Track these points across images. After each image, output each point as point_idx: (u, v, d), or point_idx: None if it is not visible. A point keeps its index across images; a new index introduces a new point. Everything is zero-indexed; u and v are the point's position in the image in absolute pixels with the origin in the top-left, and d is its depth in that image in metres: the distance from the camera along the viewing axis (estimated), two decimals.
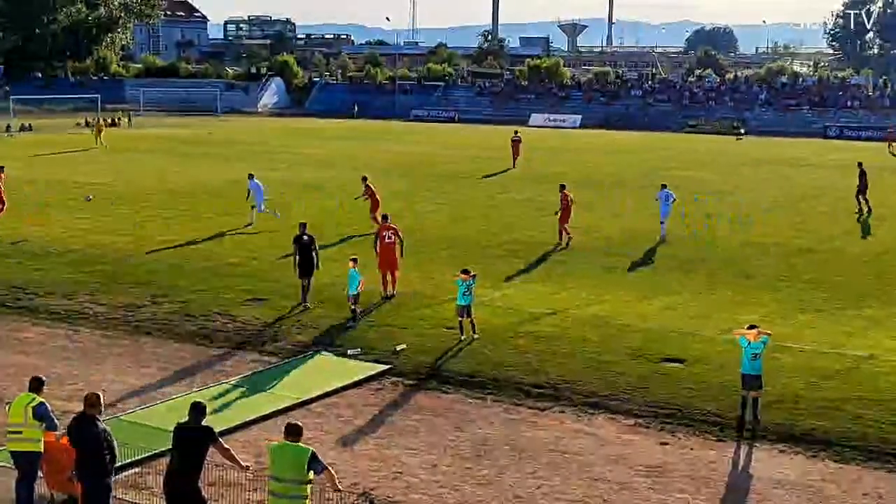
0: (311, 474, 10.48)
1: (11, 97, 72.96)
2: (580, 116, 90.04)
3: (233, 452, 11.32)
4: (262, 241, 28.61)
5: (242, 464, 11.40)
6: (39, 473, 11.80)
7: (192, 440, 10.95)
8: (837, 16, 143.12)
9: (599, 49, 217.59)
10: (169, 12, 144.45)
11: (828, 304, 22.25)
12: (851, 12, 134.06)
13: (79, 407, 11.53)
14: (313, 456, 10.52)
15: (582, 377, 17.13)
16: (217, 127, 77.01)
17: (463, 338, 18.97)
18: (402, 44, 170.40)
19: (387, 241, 22.40)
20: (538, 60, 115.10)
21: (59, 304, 21.73)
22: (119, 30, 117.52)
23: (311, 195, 38.26)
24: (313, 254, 21.75)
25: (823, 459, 14.06)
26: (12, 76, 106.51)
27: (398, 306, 21.58)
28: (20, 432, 11.60)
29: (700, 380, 17.03)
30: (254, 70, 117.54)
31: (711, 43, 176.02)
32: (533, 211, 34.98)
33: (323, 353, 18.58)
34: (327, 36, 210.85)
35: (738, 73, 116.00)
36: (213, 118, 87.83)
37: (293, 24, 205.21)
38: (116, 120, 78.19)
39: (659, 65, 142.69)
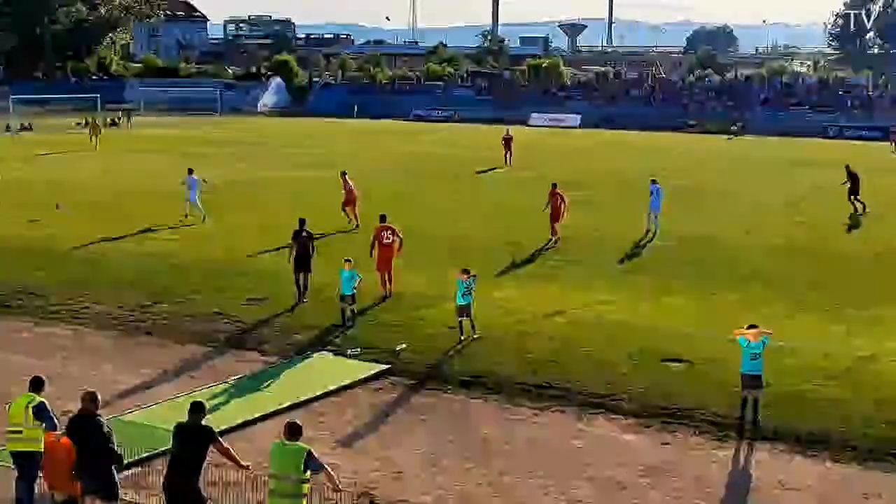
0: (309, 473, 10.49)
1: (12, 97, 72.86)
2: (580, 116, 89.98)
3: (233, 452, 11.33)
4: (262, 241, 28.59)
5: (242, 463, 11.41)
6: (39, 473, 11.80)
7: (192, 440, 10.96)
8: (837, 16, 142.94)
9: (599, 49, 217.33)
10: (169, 12, 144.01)
11: (828, 304, 22.23)
12: (851, 12, 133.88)
13: (79, 407, 11.52)
14: (309, 455, 10.53)
15: (582, 377, 17.12)
16: (217, 127, 76.99)
17: (463, 338, 18.97)
18: (402, 43, 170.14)
19: (385, 241, 22.42)
20: (538, 60, 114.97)
21: (59, 304, 21.74)
22: (119, 29, 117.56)
23: (312, 195, 38.20)
24: (311, 250, 21.87)
25: (824, 460, 14.05)
26: (13, 76, 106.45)
27: (398, 306, 21.59)
28: (20, 432, 11.60)
29: (700, 380, 17.03)
30: (254, 70, 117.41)
31: (711, 43, 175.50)
32: (533, 211, 34.91)
33: (323, 352, 18.59)
34: (327, 36, 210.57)
35: (738, 73, 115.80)
36: (213, 117, 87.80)
37: (293, 24, 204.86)
38: (116, 120, 78.17)
39: (659, 65, 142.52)
